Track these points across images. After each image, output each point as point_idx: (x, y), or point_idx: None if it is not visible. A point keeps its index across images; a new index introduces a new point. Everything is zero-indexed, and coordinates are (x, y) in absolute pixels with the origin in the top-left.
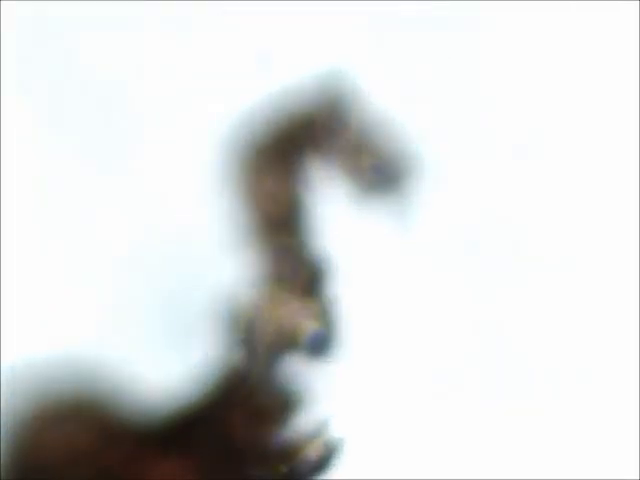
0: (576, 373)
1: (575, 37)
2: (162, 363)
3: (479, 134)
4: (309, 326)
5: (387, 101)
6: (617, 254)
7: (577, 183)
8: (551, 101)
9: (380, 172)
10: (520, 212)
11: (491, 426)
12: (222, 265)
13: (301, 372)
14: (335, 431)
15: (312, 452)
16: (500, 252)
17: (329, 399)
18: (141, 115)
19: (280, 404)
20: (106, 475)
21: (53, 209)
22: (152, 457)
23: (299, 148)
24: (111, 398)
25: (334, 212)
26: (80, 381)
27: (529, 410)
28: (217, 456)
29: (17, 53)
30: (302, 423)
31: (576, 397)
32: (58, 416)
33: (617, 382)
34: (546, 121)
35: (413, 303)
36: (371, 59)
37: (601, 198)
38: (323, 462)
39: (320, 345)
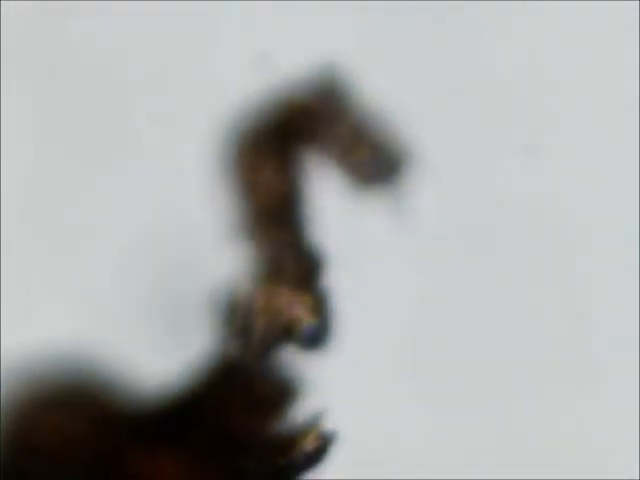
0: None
1: (577, 31)
2: (159, 354)
3: (476, 125)
4: (305, 319)
5: (384, 92)
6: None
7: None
8: (551, 93)
9: (376, 164)
10: (518, 205)
11: (485, 434)
12: (219, 256)
13: (296, 363)
14: (330, 423)
15: (308, 444)
16: (498, 245)
17: (324, 390)
18: (137, 106)
19: (276, 395)
20: (100, 463)
21: (49, 202)
22: (147, 446)
23: (296, 139)
24: (107, 386)
25: (330, 203)
26: (76, 370)
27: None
28: (213, 447)
29: (11, 44)
30: (298, 414)
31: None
32: (53, 403)
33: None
34: (547, 113)
35: (409, 295)
36: (368, 49)
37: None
38: (319, 454)
39: (315, 338)
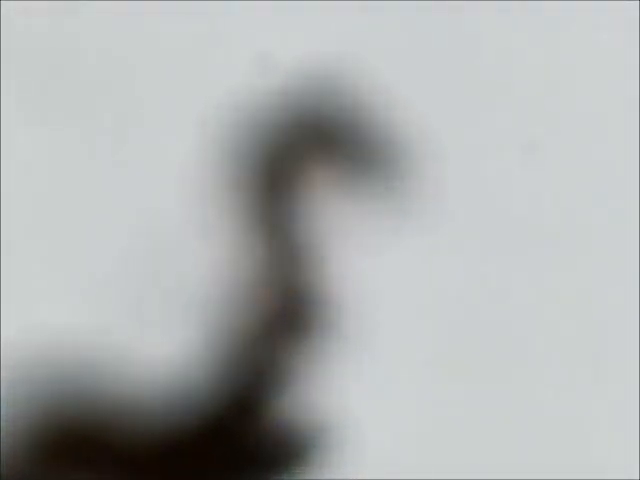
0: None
1: (577, 31)
2: (156, 351)
3: (476, 124)
4: (303, 314)
5: (384, 91)
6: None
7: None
8: (551, 92)
9: (377, 164)
10: (517, 200)
11: (493, 427)
12: (217, 252)
13: (300, 361)
14: (336, 423)
15: (310, 445)
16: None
17: (329, 390)
18: (137, 106)
19: (279, 398)
20: None
21: (49, 200)
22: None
23: (299, 143)
24: (112, 414)
25: (330, 202)
26: (81, 390)
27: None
28: (223, 462)
29: (13, 41)
30: (301, 416)
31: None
32: (56, 446)
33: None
34: (547, 113)
35: (411, 289)
36: (368, 49)
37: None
38: (322, 454)
39: (314, 333)
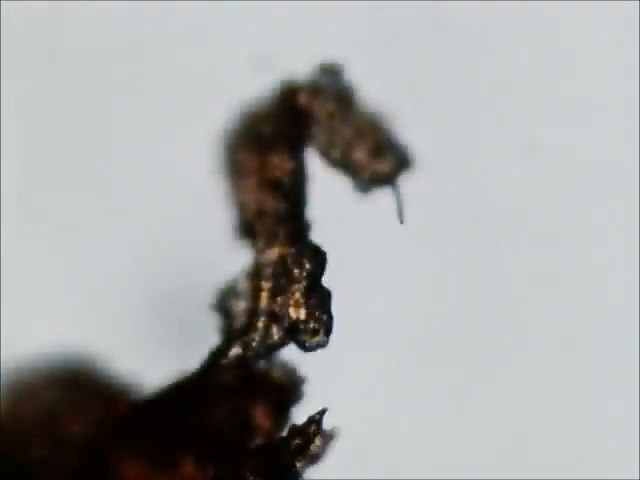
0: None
1: (577, 32)
2: (160, 355)
3: (476, 123)
4: (304, 318)
5: (383, 91)
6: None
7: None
8: (550, 92)
9: (375, 162)
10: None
11: (480, 423)
12: (219, 257)
13: (296, 363)
14: (329, 421)
15: (306, 442)
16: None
17: (323, 390)
18: (137, 106)
19: (275, 395)
20: (87, 450)
21: (48, 202)
22: (133, 439)
23: (294, 138)
24: (98, 375)
25: (329, 200)
26: (73, 365)
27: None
28: (210, 447)
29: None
30: (297, 413)
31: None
32: (38, 387)
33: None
34: (547, 112)
35: (408, 291)
36: (368, 49)
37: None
38: (318, 452)
39: (318, 347)
